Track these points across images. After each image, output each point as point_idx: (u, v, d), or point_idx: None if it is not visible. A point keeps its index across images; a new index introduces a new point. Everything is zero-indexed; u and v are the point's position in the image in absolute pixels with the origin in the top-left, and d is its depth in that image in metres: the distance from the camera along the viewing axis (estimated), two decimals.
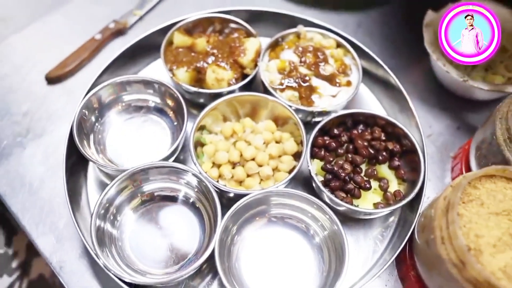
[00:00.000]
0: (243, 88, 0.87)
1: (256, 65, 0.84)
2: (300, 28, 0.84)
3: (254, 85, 0.90)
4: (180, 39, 0.79)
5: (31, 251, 1.19)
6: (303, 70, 0.80)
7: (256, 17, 0.87)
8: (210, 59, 0.76)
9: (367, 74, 0.92)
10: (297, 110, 0.85)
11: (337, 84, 0.84)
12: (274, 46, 0.82)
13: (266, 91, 0.85)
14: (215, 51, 0.77)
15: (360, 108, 0.90)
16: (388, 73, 0.89)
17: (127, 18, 0.80)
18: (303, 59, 0.81)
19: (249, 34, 0.81)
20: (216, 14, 0.84)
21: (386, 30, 0.86)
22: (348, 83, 0.85)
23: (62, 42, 0.83)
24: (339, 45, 0.85)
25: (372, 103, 0.96)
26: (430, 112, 0.94)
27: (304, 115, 0.88)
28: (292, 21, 0.87)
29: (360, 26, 0.86)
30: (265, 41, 0.82)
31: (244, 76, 0.86)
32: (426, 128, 0.93)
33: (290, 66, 0.82)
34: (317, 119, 0.89)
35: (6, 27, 0.78)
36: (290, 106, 0.82)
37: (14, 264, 1.15)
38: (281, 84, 0.83)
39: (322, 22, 0.86)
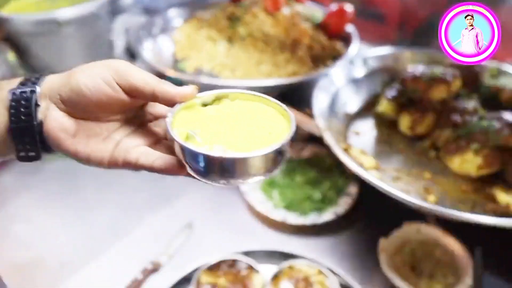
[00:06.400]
0: None
1: None
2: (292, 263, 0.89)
3: None
4: (205, 279, 0.86)
5: None
6: None
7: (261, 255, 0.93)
8: None
9: None
10: None
11: None
12: (275, 278, 0.87)
13: None
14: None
15: None
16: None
17: (160, 258, 0.93)
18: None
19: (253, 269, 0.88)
20: (234, 256, 0.89)
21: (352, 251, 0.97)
22: None
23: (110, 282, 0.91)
24: (320, 271, 0.88)
25: None
26: None
27: None
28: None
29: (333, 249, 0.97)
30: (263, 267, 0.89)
31: None
32: None
33: None
34: None
35: (63, 269, 0.89)
36: None
37: None
38: None
39: (307, 253, 0.91)
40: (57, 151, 0.50)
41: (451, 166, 0.90)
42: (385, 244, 0.90)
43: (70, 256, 0.92)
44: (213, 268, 0.86)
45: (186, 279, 0.85)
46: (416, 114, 0.95)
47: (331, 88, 1.01)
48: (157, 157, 0.49)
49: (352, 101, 1.05)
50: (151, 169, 0.49)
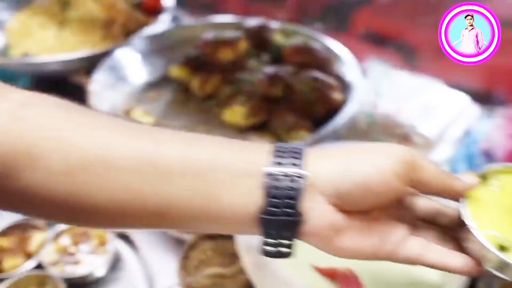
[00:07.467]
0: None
1: None
2: None
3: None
4: None
5: None
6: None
7: None
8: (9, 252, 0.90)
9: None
10: None
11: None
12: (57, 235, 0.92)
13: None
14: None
15: None
16: None
17: None
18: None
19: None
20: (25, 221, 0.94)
21: None
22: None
23: None
24: None
25: None
26: None
27: None
28: None
29: None
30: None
31: None
32: None
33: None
34: None
35: None
36: None
37: None
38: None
39: None
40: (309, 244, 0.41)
41: (224, 118, 0.96)
42: None
43: None
44: (6, 233, 0.92)
45: None
46: (204, 75, 1.02)
47: (124, 59, 1.08)
48: (445, 254, 0.41)
49: (153, 70, 1.12)
50: (443, 268, 0.41)
